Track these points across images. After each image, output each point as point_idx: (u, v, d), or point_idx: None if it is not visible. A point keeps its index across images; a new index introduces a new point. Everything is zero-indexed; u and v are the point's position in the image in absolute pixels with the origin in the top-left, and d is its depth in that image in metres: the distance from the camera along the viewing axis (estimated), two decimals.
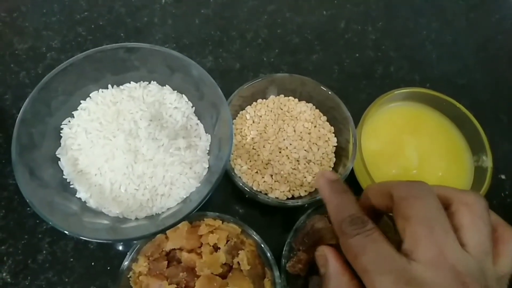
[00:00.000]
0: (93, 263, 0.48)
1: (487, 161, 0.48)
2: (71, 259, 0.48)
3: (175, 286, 0.39)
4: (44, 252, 0.49)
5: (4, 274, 0.47)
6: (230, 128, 0.43)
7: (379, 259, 0.26)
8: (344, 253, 0.28)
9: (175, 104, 0.47)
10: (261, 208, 0.52)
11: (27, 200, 0.40)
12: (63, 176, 0.44)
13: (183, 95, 0.49)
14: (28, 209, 0.50)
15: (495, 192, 0.57)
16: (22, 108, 0.42)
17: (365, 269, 0.26)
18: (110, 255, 0.49)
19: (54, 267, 0.48)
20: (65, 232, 0.39)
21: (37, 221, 0.50)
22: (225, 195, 0.53)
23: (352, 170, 0.50)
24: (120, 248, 0.48)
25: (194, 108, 0.49)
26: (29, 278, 0.47)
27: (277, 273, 0.42)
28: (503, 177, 0.58)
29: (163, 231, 0.39)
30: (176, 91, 0.49)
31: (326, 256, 0.30)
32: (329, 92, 0.50)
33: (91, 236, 0.38)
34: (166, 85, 0.49)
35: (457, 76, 0.65)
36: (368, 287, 0.25)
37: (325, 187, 0.32)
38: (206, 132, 0.48)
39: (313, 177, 0.49)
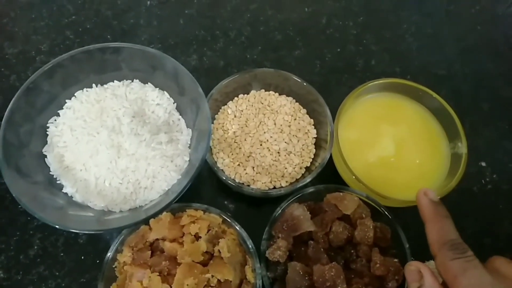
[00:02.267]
0: (82, 257, 0.50)
1: (463, 148, 0.49)
2: (62, 254, 0.50)
3: (158, 274, 0.40)
4: (36, 247, 0.50)
5: None
6: (209, 122, 0.44)
7: (480, 283, 0.30)
8: (442, 271, 0.32)
9: (157, 101, 0.49)
10: (247, 201, 0.53)
11: (15, 197, 0.42)
12: (50, 172, 0.46)
13: (164, 92, 0.50)
14: (20, 206, 0.51)
15: (476, 179, 0.58)
16: (7, 109, 0.44)
17: None
18: (99, 249, 0.50)
19: (45, 261, 0.50)
20: (53, 225, 0.41)
21: (28, 218, 0.52)
22: (212, 189, 0.55)
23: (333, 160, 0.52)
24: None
25: (175, 104, 0.50)
26: (21, 273, 0.49)
27: (257, 264, 0.43)
28: (483, 164, 0.59)
29: (146, 220, 0.40)
30: (158, 88, 0.50)
31: (423, 272, 0.34)
32: (304, 83, 0.52)
33: (78, 228, 0.40)
34: (148, 83, 0.50)
35: (438, 67, 0.66)
36: None
37: (428, 208, 0.36)
38: (187, 127, 0.49)
39: (294, 168, 0.51)
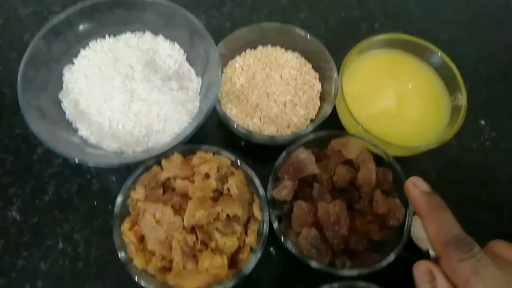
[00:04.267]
0: (95, 203, 0.52)
1: (462, 99, 0.51)
2: (75, 199, 0.52)
3: (170, 207, 0.42)
4: (50, 193, 0.52)
5: (13, 213, 0.51)
6: (218, 70, 0.46)
7: (495, 284, 0.28)
8: (450, 274, 0.30)
9: (168, 52, 0.51)
10: (253, 154, 0.55)
11: (36, 135, 0.44)
12: (66, 117, 0.48)
13: (175, 43, 0.52)
14: (35, 155, 0.54)
15: (475, 136, 0.60)
16: (26, 52, 0.46)
17: None
18: (111, 195, 0.52)
19: (60, 206, 0.52)
20: (73, 159, 0.43)
21: (43, 166, 0.53)
22: (218, 144, 0.56)
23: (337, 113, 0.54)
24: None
25: (186, 55, 0.52)
26: (36, 216, 0.51)
27: (265, 204, 0.45)
28: (482, 122, 0.61)
29: (158, 157, 0.42)
30: (168, 40, 0.52)
31: (435, 273, 0.31)
32: (308, 37, 0.54)
33: (95, 162, 0.42)
34: (160, 34, 0.52)
35: (439, 32, 0.67)
36: None
37: (421, 200, 0.33)
38: (197, 76, 0.51)
39: (299, 118, 0.52)
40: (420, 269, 0.32)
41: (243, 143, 0.56)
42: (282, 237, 0.44)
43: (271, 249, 0.50)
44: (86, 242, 0.50)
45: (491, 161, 0.58)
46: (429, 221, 0.32)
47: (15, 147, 0.54)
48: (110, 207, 0.51)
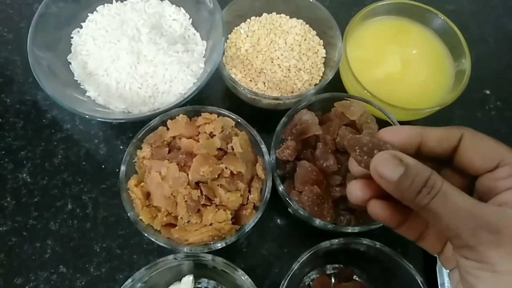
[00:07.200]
0: (103, 166, 0.53)
1: (466, 63, 0.51)
2: (84, 163, 0.53)
3: (176, 164, 0.43)
4: (60, 156, 0.54)
5: (24, 175, 0.52)
6: (223, 29, 0.47)
7: None
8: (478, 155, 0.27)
9: (173, 16, 0.52)
10: (256, 121, 0.56)
11: (50, 95, 0.45)
12: (74, 78, 0.49)
13: (181, 8, 0.53)
14: (44, 120, 0.55)
15: (480, 105, 0.60)
16: (36, 14, 0.47)
17: None
18: (118, 159, 0.53)
19: (69, 169, 0.53)
20: (83, 115, 0.44)
21: (53, 131, 0.55)
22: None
23: (340, 79, 0.54)
24: None
25: (191, 20, 0.53)
26: (46, 178, 0.52)
27: (268, 162, 0.45)
28: (488, 92, 0.61)
29: (164, 111, 0.43)
30: (174, 5, 0.53)
31: (399, 155, 0.26)
32: (311, 0, 0.54)
33: (104, 117, 0.43)
34: (166, 0, 0.53)
35: (446, 2, 0.67)
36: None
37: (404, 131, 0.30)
38: (202, 39, 0.52)
39: (303, 84, 0.53)
40: (384, 157, 0.26)
41: (247, 110, 0.56)
42: (286, 197, 0.44)
43: (275, 218, 0.51)
44: (94, 203, 0.52)
45: (495, 129, 0.59)
46: (429, 133, 0.29)
47: (25, 112, 0.56)
48: (117, 170, 0.53)
